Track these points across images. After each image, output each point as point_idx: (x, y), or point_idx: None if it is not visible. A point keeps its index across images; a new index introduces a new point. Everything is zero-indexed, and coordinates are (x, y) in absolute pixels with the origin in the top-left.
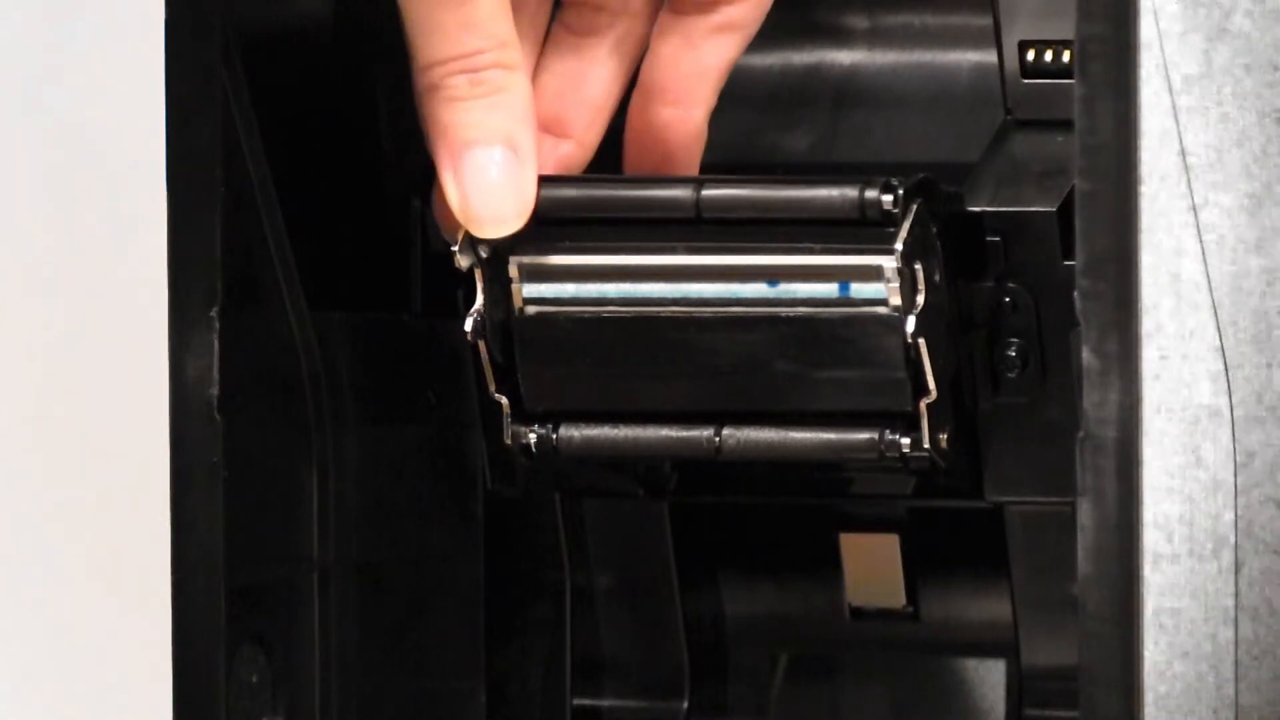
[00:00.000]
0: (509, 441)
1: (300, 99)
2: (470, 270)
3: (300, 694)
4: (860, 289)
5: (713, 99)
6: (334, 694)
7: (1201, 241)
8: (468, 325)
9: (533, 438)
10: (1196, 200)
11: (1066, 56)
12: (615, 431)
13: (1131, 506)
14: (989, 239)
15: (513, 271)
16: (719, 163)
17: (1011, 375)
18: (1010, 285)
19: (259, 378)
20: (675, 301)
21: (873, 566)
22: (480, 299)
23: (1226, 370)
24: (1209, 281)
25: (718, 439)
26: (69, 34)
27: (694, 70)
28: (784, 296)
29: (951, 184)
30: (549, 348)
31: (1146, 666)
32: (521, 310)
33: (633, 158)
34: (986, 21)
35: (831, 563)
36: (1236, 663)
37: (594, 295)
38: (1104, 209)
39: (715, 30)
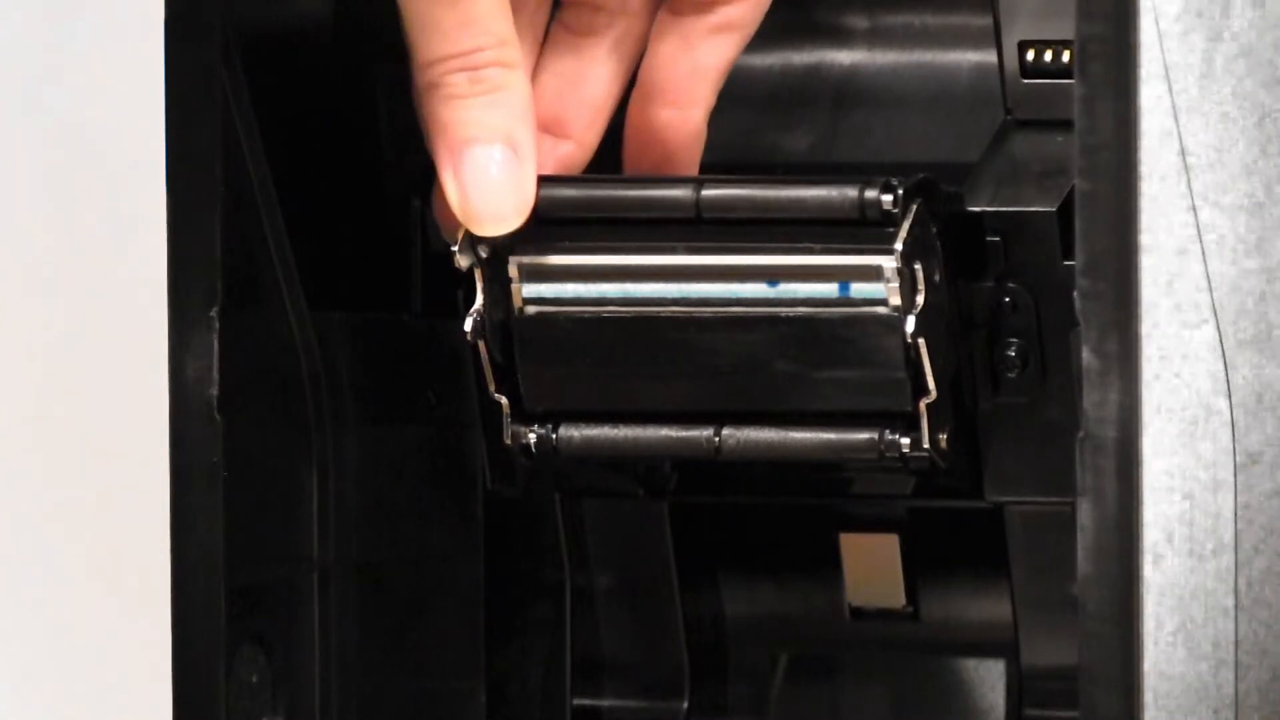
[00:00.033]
0: (509, 441)
1: (300, 99)
2: (470, 270)
3: (300, 694)
4: (860, 289)
5: (712, 99)
6: (334, 694)
7: (1201, 241)
8: (468, 325)
9: (533, 438)
10: (1196, 200)
11: (1066, 56)
12: (615, 431)
13: (1131, 506)
14: (989, 239)
15: (513, 271)
16: (719, 163)
17: (1011, 375)
18: (1010, 285)
19: (259, 378)
20: (675, 301)
21: (873, 566)
22: (480, 299)
23: (1226, 370)
24: (1209, 281)
25: (718, 439)
26: (69, 34)
27: (692, 70)
28: (784, 296)
29: (951, 184)
30: (549, 348)
31: (1146, 666)
32: (521, 310)
33: (632, 158)
34: (986, 21)
35: (831, 563)
36: (1236, 663)
37: (594, 295)
38: (1104, 209)
39: (713, 30)
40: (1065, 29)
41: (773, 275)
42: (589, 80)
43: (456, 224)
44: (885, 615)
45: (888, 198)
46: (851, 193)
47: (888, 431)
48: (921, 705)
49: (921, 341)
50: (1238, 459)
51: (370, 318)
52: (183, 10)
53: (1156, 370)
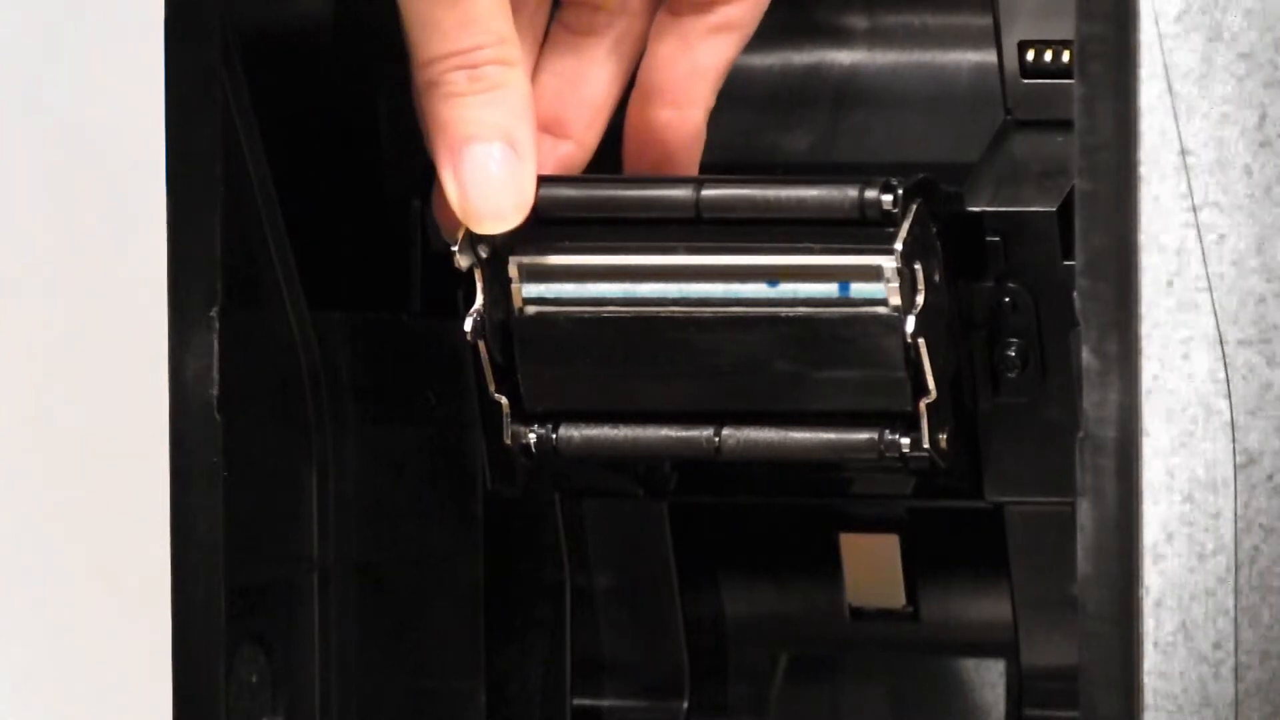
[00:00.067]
0: (509, 441)
1: (300, 99)
2: (470, 270)
3: (300, 694)
4: (860, 289)
5: (711, 99)
6: (334, 694)
7: (1201, 241)
8: (468, 325)
9: (533, 438)
10: (1196, 200)
11: (1066, 56)
12: (615, 431)
13: (1131, 506)
14: (989, 239)
15: (512, 271)
16: (719, 163)
17: (1011, 375)
18: (1010, 285)
19: (259, 378)
20: (675, 301)
21: (873, 566)
22: (480, 299)
23: (1226, 370)
24: (1209, 281)
25: (717, 439)
26: (69, 34)
27: (691, 71)
28: (784, 296)
29: (951, 184)
30: (549, 348)
31: (1146, 666)
32: (521, 310)
33: (632, 158)
34: (986, 21)
35: (831, 563)
36: (1236, 663)
37: (594, 295)
38: (1104, 209)
39: (712, 30)
40: (1065, 29)
41: (773, 275)
42: (589, 80)
43: (456, 224)
44: (885, 615)
45: (888, 198)
46: (851, 193)
47: (888, 431)
48: (921, 705)
49: (921, 341)
50: (1238, 459)
51: (370, 318)
52: (183, 10)
53: (1156, 370)
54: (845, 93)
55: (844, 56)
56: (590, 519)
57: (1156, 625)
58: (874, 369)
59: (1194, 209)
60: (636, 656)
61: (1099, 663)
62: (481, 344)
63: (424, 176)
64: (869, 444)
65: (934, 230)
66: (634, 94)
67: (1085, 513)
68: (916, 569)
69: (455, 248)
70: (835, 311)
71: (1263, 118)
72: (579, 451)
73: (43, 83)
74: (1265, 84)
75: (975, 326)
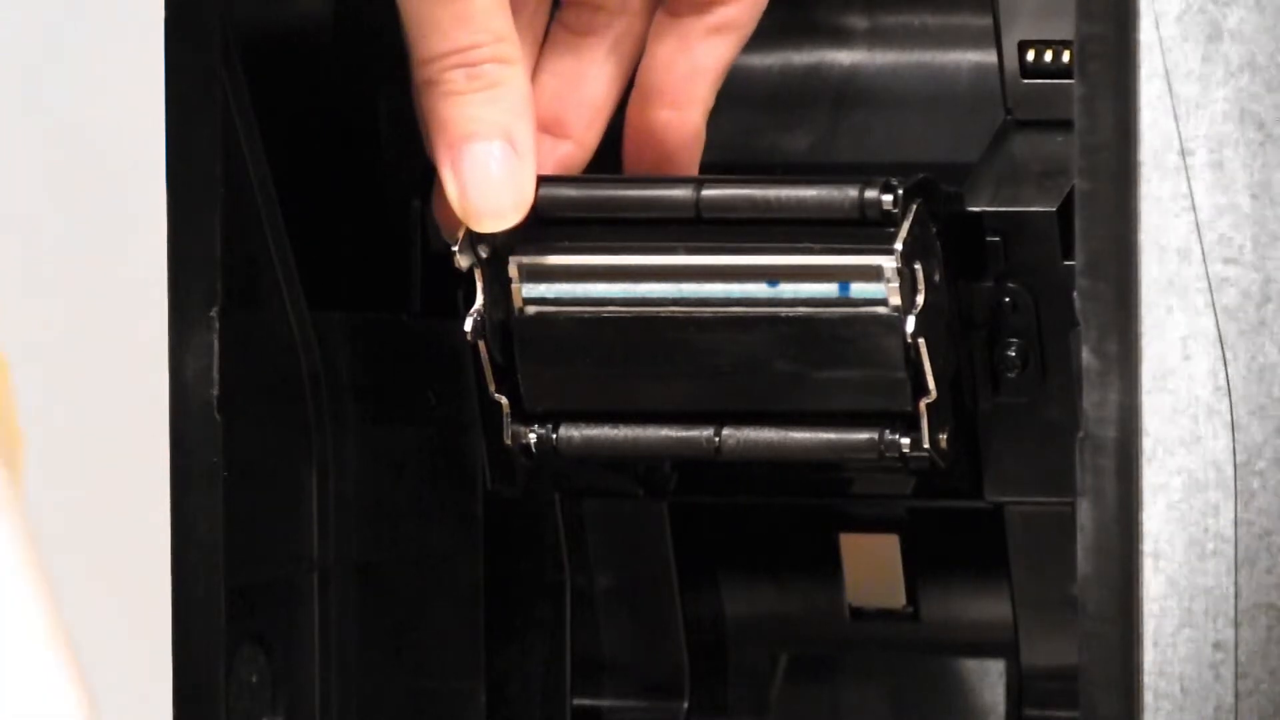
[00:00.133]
0: (509, 441)
1: (300, 99)
2: (470, 270)
3: (300, 694)
4: (860, 289)
5: (710, 100)
6: (334, 694)
7: (1201, 241)
8: (468, 325)
9: (533, 438)
10: (1196, 200)
11: (1066, 56)
12: (615, 431)
13: (1131, 506)
14: (989, 239)
15: (512, 271)
16: (719, 163)
17: (1011, 375)
18: (1010, 285)
19: (259, 378)
20: (675, 301)
21: (873, 566)
22: (480, 299)
23: (1226, 370)
24: (1209, 281)
25: (718, 439)
26: (69, 34)
27: (690, 71)
28: (784, 296)
29: (951, 184)
30: (549, 348)
31: (1146, 666)
32: (521, 310)
33: (632, 159)
34: (986, 21)
35: (831, 563)
36: (1236, 663)
37: (594, 295)
38: (1104, 209)
39: (711, 31)
40: (1065, 29)
41: (773, 275)
42: (589, 80)
43: (457, 223)
44: (885, 615)
45: (888, 198)
46: (851, 193)
47: (888, 431)
48: (921, 705)
49: (921, 341)
50: (1238, 459)
51: (370, 318)
52: (183, 10)
53: (1156, 370)
54: (845, 93)
55: (844, 56)
56: (590, 519)
57: (1156, 625)
58: (874, 369)
59: (1194, 209)
60: (636, 656)
61: (1099, 663)
62: (481, 344)
63: (424, 176)
64: (869, 444)
65: (934, 230)
66: (633, 95)
67: (1085, 513)
68: (916, 569)
69: (455, 248)
70: (835, 311)
71: (1263, 117)
72: (579, 451)
73: (43, 83)
74: (1266, 84)
75: (975, 326)
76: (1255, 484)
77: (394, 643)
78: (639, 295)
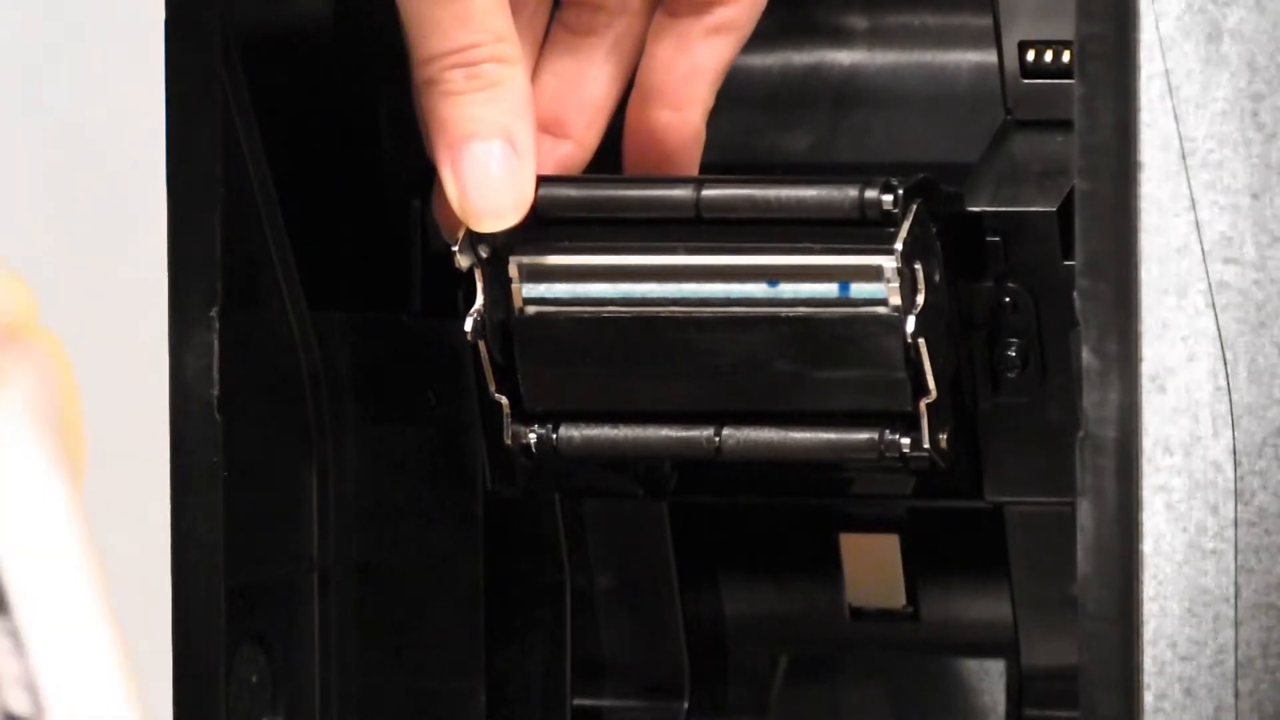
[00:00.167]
0: (509, 441)
1: (300, 99)
2: (470, 270)
3: (300, 694)
4: (860, 289)
5: (710, 100)
6: (334, 694)
7: (1201, 241)
8: (468, 325)
9: (533, 438)
10: (1196, 199)
11: (1066, 57)
12: (615, 431)
13: (1131, 506)
14: (989, 239)
15: (513, 271)
16: (719, 163)
17: (1011, 375)
18: (1010, 285)
19: (259, 378)
20: (675, 301)
21: (873, 567)
22: (480, 299)
23: (1227, 369)
24: (1209, 281)
25: (718, 439)
26: (69, 34)
27: (690, 72)
28: (784, 296)
29: (951, 184)
30: (549, 348)
31: (1146, 666)
32: (521, 310)
33: (632, 160)
34: (986, 22)
35: (831, 563)
36: (1236, 663)
37: (594, 295)
38: (1104, 209)
39: (710, 31)
40: (1065, 29)
41: (773, 275)
42: (589, 80)
43: (457, 223)
44: (885, 615)
45: (888, 198)
46: (851, 193)
47: (888, 431)
48: (922, 706)
49: (921, 341)
50: (1238, 459)
51: (370, 318)
52: (183, 10)
53: (1156, 370)
54: (845, 93)
55: (844, 56)
56: (590, 519)
57: (1156, 625)
58: (874, 369)
59: (1194, 209)
60: (636, 656)
61: (1099, 663)
62: (481, 344)
63: (424, 176)
64: (869, 444)
65: (934, 230)
66: (632, 95)
67: (1085, 513)
68: (917, 569)
69: (455, 248)
70: (835, 311)
71: (1263, 117)
72: (579, 451)
73: (43, 83)
74: (1266, 83)
75: (975, 326)
76: (1255, 484)
77: (394, 643)
78: (639, 295)
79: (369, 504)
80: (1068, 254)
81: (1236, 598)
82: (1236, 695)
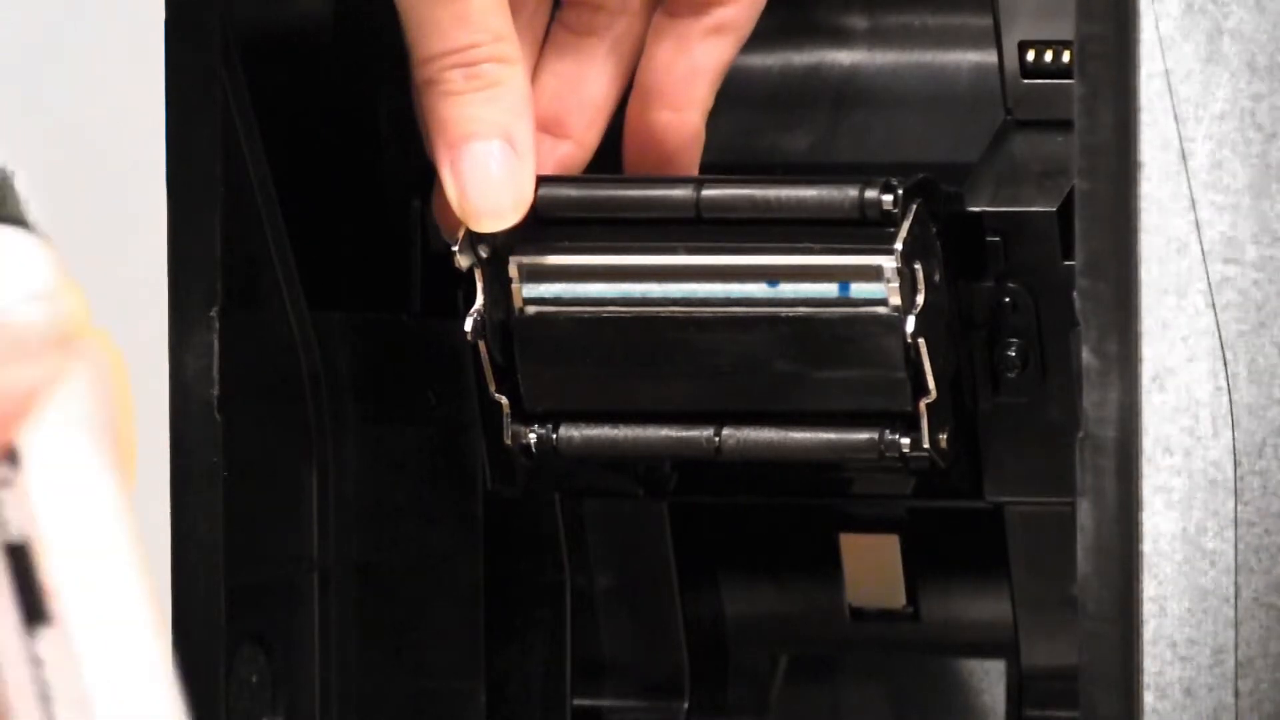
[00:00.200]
0: (509, 441)
1: (300, 99)
2: (470, 270)
3: (300, 694)
4: (860, 289)
5: (709, 100)
6: (334, 694)
7: (1201, 241)
8: (468, 325)
9: (533, 438)
10: (1196, 199)
11: (1066, 57)
12: (615, 431)
13: (1131, 506)
14: (989, 239)
15: (513, 271)
16: (718, 163)
17: (1011, 375)
18: (1010, 285)
19: (259, 378)
20: (675, 301)
21: (873, 567)
22: (480, 299)
23: (1226, 369)
24: (1209, 280)
25: (717, 439)
26: (69, 34)
27: (689, 72)
28: (784, 296)
29: (951, 184)
30: (549, 348)
31: (1146, 666)
32: (521, 310)
33: (632, 161)
34: (986, 22)
35: (831, 563)
36: (1236, 663)
37: (594, 295)
38: (1104, 209)
39: (709, 32)
40: (1065, 29)
41: (773, 275)
42: (589, 80)
43: (457, 223)
44: (885, 616)
45: (888, 198)
46: (851, 193)
47: (888, 431)
48: (922, 706)
49: (921, 341)
50: (1238, 458)
51: (370, 318)
52: (183, 10)
53: (1156, 370)
54: (845, 93)
55: (844, 57)
56: (590, 519)
57: (1156, 625)
58: (874, 369)
59: (1194, 209)
60: (636, 657)
61: (1099, 663)
62: (481, 344)
63: (424, 176)
64: (869, 444)
65: (934, 230)
66: (632, 96)
67: (1085, 513)
68: (917, 569)
69: (455, 248)
70: (835, 311)
71: (1263, 117)
72: (579, 451)
73: (43, 83)
74: (1266, 83)
75: (975, 326)
76: (1255, 484)
77: (394, 643)
78: (639, 295)
79: (369, 504)
80: (1068, 254)
81: (1236, 598)
82: (1236, 695)
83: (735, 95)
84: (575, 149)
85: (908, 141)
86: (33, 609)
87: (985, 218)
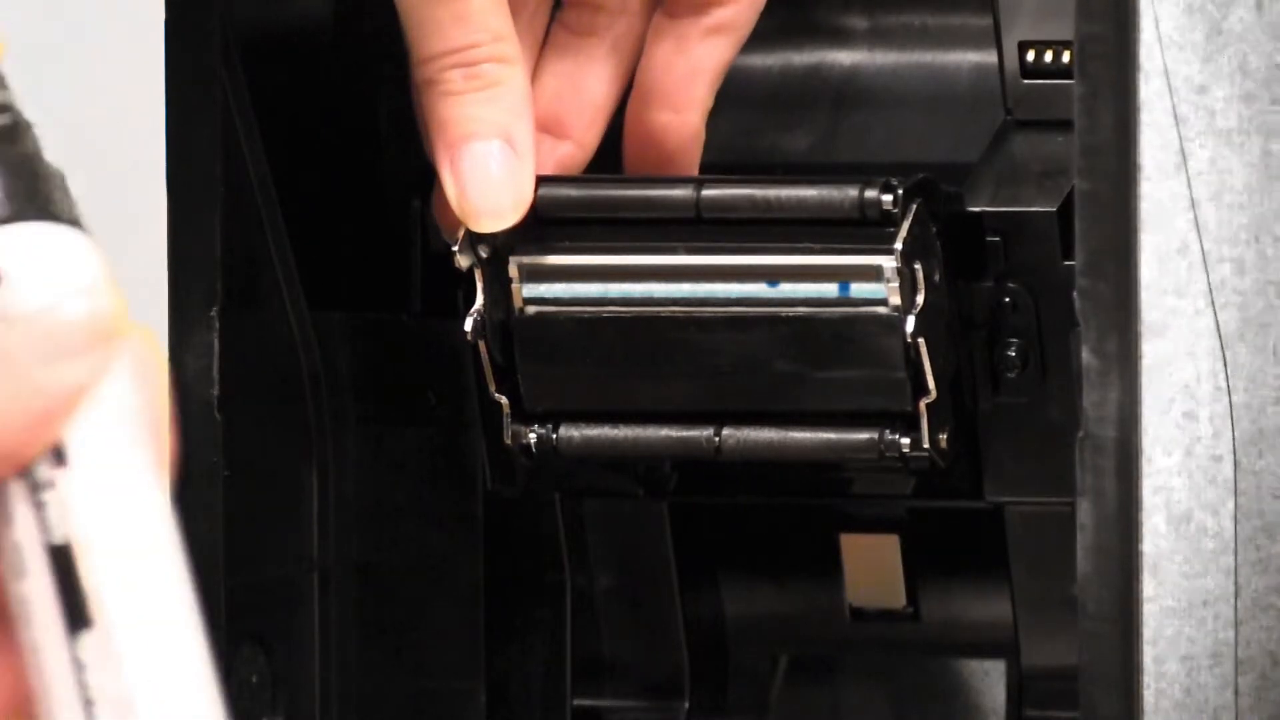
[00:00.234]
0: (509, 441)
1: (300, 99)
2: (470, 270)
3: (300, 694)
4: (860, 289)
5: (708, 101)
6: (334, 694)
7: (1201, 241)
8: (468, 325)
9: (533, 438)
10: (1196, 199)
11: (1066, 57)
12: (615, 431)
13: (1131, 506)
14: (989, 239)
15: (513, 271)
16: (719, 163)
17: (1011, 375)
18: (1010, 285)
19: (259, 378)
20: (675, 301)
21: (873, 567)
22: (480, 299)
23: (1226, 369)
24: (1208, 280)
25: (718, 439)
26: (69, 34)
27: (688, 73)
28: (784, 296)
29: (951, 184)
30: (549, 348)
31: (1146, 666)
32: (521, 310)
33: (632, 161)
34: (986, 22)
35: (832, 563)
36: (1236, 663)
37: (594, 295)
38: (1103, 209)
39: (708, 33)
40: (1065, 29)
41: (773, 275)
42: (589, 80)
43: (456, 223)
44: (886, 616)
45: (888, 197)
46: (851, 192)
47: (888, 431)
48: (921, 706)
49: (921, 341)
50: (1238, 458)
51: (370, 318)
52: (183, 10)
53: (1156, 370)
54: (845, 93)
55: (844, 57)
56: (590, 519)
57: (1156, 625)
58: (874, 369)
59: (1194, 208)
60: (636, 657)
61: (1099, 663)
62: (482, 344)
63: (424, 176)
64: (869, 444)
65: (934, 230)
66: (632, 97)
67: (1085, 513)
68: (917, 569)
69: (455, 248)
70: (835, 311)
71: (1262, 116)
72: (579, 451)
73: (43, 83)
74: (1265, 83)
75: (975, 326)
76: (1255, 484)
77: (394, 643)
78: (639, 295)
79: (369, 504)
80: (1068, 254)
81: (1236, 598)
82: (1236, 695)
83: (735, 95)
84: (575, 149)
85: (908, 142)
86: (74, 611)
87: (985, 218)
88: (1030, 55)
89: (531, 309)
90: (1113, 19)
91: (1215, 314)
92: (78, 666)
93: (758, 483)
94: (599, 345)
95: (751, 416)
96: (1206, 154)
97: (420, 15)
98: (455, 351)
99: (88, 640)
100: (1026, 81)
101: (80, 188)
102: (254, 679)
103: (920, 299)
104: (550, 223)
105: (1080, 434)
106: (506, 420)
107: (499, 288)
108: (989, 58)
